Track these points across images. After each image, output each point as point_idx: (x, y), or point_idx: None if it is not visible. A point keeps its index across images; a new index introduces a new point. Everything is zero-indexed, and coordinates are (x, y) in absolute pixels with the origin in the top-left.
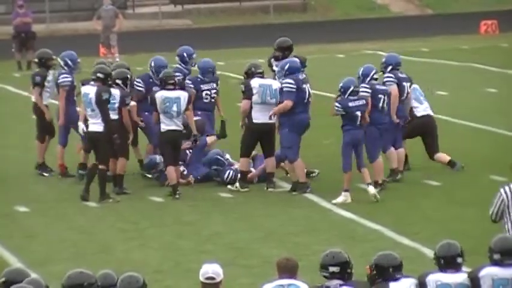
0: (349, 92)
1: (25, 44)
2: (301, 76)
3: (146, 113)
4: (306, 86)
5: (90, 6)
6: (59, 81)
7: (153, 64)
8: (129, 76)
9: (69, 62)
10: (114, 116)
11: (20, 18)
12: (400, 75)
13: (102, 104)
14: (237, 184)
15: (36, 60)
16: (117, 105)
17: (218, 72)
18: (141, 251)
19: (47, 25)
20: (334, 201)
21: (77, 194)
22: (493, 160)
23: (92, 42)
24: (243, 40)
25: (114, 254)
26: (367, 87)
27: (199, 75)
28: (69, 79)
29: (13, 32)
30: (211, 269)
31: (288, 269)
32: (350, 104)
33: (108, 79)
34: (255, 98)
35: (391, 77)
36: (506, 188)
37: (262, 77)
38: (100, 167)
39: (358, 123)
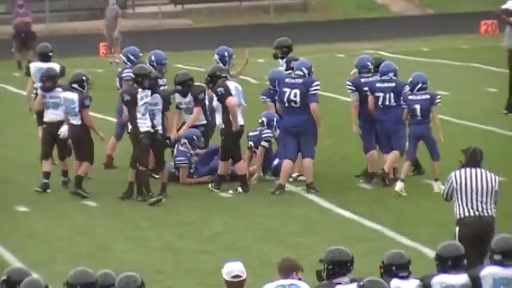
0: (417, 87)
1: (25, 43)
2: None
3: None
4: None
5: (90, 6)
6: (122, 75)
7: (153, 58)
8: (84, 78)
9: (131, 57)
10: (74, 121)
11: (20, 18)
12: (368, 81)
13: (125, 104)
14: (239, 188)
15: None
16: (77, 109)
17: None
18: (142, 251)
19: (47, 25)
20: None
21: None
22: (493, 160)
23: (92, 42)
24: (243, 40)
25: (114, 254)
26: (358, 83)
27: (270, 87)
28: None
29: (13, 32)
30: (236, 267)
31: (286, 269)
32: (410, 97)
33: (138, 79)
34: None
35: (349, 84)
36: (457, 173)
37: (227, 80)
38: (139, 168)
39: (418, 117)
